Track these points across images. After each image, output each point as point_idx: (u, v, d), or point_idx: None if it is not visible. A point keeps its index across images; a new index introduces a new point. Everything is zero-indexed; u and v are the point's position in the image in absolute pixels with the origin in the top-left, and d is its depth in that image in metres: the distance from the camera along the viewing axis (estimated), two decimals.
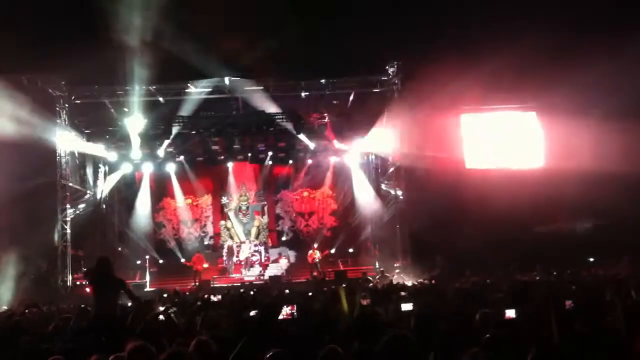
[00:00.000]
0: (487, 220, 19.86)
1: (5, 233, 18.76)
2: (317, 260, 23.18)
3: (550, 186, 21.05)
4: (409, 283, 17.02)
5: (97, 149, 23.03)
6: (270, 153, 24.66)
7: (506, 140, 23.75)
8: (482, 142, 23.60)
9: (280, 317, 6.06)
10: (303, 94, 22.68)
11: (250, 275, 23.25)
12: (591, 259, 20.75)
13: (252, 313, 7.31)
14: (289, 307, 5.96)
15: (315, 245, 24.40)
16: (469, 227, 19.88)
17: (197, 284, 21.41)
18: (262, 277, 22.71)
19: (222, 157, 24.97)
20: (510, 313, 6.59)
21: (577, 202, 20.08)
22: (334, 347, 4.44)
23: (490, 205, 19.90)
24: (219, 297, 10.59)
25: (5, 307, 16.22)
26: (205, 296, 13.41)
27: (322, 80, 22.33)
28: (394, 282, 17.37)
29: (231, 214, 26.50)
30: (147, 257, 22.99)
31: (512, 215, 20.11)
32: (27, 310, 12.01)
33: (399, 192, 22.72)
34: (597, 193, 19.06)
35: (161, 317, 7.09)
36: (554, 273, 17.53)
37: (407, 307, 7.43)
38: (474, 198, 20.27)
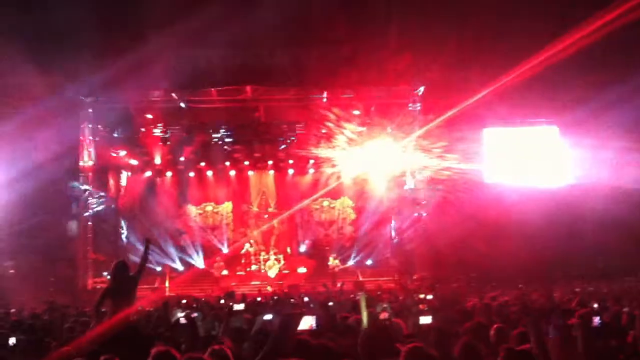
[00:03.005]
0: (507, 236, 19.70)
1: (27, 236, 18.98)
2: (337, 268, 23.18)
3: (572, 202, 20.84)
4: (427, 296, 16.87)
5: (119, 153, 23.21)
6: (291, 161, 24.73)
7: (527, 155, 23.54)
8: (504, 157, 23.43)
9: (301, 328, 6.02)
10: (325, 103, 22.69)
11: (269, 283, 23.22)
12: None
13: (268, 317, 7.29)
14: (310, 318, 5.90)
15: (334, 255, 24.35)
16: (488, 243, 19.73)
17: (214, 290, 21.42)
18: (280, 286, 22.65)
19: (243, 164, 25.10)
20: None
21: (601, 219, 19.81)
22: None
23: (511, 221, 19.74)
24: (242, 306, 10.57)
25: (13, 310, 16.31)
26: (223, 302, 13.44)
27: (345, 90, 22.36)
28: (413, 295, 17.23)
29: (251, 222, 26.55)
30: (167, 263, 23.06)
31: (532, 232, 19.93)
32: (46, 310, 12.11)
33: (419, 205, 22.58)
34: (621, 209, 18.85)
35: (183, 320, 7.07)
36: (577, 290, 17.32)
37: (425, 320, 7.36)
38: (494, 213, 20.13)
